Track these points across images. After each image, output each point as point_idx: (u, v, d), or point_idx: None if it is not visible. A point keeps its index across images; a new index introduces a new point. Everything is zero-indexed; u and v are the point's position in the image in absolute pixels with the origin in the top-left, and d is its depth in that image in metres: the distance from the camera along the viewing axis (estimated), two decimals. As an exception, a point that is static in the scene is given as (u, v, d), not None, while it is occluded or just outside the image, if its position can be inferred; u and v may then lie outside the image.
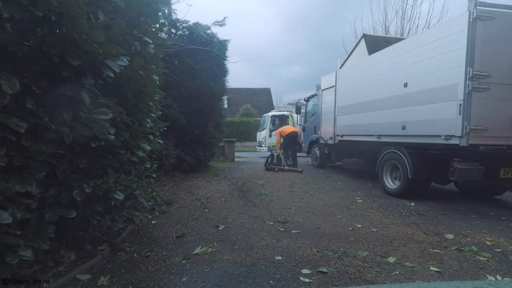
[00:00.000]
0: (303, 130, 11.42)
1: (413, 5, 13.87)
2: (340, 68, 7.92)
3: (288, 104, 23.54)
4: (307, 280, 2.35)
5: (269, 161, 9.25)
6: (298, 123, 12.78)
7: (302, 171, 8.53)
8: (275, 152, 9.55)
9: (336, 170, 9.06)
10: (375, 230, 3.63)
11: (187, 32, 7.27)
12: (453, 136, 4.21)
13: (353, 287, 2.19)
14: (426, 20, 13.36)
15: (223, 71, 8.28)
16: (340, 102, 7.70)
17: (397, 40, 6.50)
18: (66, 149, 2.13)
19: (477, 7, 3.88)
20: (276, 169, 8.71)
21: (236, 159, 12.32)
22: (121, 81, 2.58)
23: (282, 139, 10.00)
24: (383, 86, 5.77)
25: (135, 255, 2.85)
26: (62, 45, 1.83)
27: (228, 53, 8.07)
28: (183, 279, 2.38)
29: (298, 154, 12.58)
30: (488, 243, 3.22)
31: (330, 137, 8.26)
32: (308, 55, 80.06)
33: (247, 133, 23.65)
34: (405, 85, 5.13)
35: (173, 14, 7.42)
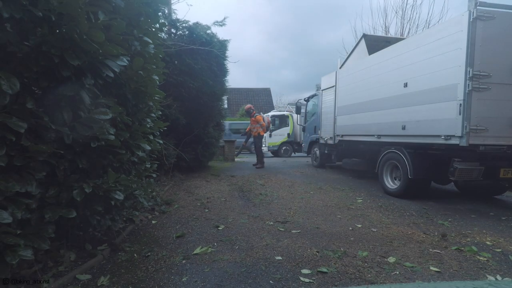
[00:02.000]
0: (303, 130, 11.42)
1: (413, 5, 13.88)
2: (340, 68, 7.92)
3: (288, 104, 23.55)
4: (307, 280, 2.35)
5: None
6: (298, 123, 12.79)
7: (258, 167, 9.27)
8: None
9: (336, 170, 9.06)
10: (375, 230, 3.63)
11: (187, 32, 7.27)
12: (453, 136, 4.21)
13: (353, 287, 2.19)
14: (426, 20, 13.37)
15: (223, 71, 8.27)
16: (340, 102, 7.70)
17: (397, 40, 6.50)
18: (66, 149, 2.13)
19: (477, 7, 3.88)
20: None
21: (236, 159, 12.32)
22: (121, 81, 2.58)
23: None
24: (383, 86, 5.77)
25: (135, 255, 2.85)
26: (62, 45, 1.83)
27: (228, 53, 8.09)
28: (183, 279, 2.38)
29: (298, 153, 12.57)
30: (488, 243, 3.22)
31: (330, 137, 8.26)
32: (293, 61, 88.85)
33: (247, 133, 23.60)
34: (405, 85, 5.13)
35: (173, 14, 7.42)
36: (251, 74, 74.95)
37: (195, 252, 2.91)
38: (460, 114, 4.08)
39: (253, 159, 13.23)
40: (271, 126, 15.65)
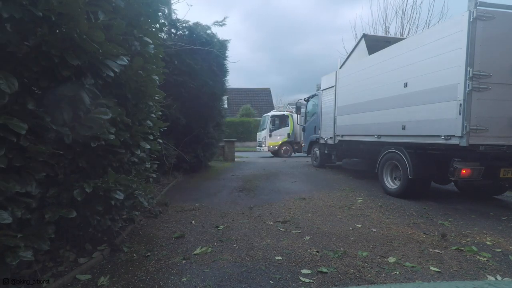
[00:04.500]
0: (303, 130, 11.42)
1: (413, 5, 13.86)
2: (340, 68, 7.92)
3: (288, 104, 23.56)
4: (307, 280, 2.35)
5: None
6: (298, 123, 12.79)
7: None
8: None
9: (336, 170, 9.06)
10: (375, 230, 3.63)
11: (187, 32, 7.27)
12: (453, 136, 4.20)
13: (353, 287, 2.19)
14: (426, 20, 13.36)
15: (223, 71, 8.27)
16: (340, 102, 7.69)
17: (397, 40, 6.49)
18: (66, 149, 2.13)
19: (477, 7, 3.88)
20: None
21: (236, 159, 12.32)
22: (121, 81, 2.58)
23: None
24: (383, 86, 5.77)
25: (135, 255, 2.85)
26: (62, 45, 1.83)
27: (227, 53, 8.09)
28: (183, 279, 2.38)
29: (298, 153, 12.56)
30: (488, 243, 3.22)
31: (330, 137, 8.26)
32: (276, 68, 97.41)
33: (247, 133, 23.64)
34: (405, 85, 5.13)
35: (173, 14, 7.41)
36: (241, 79, 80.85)
37: (195, 252, 2.91)
38: (460, 114, 4.08)
39: (253, 159, 13.23)
40: (271, 126, 15.68)
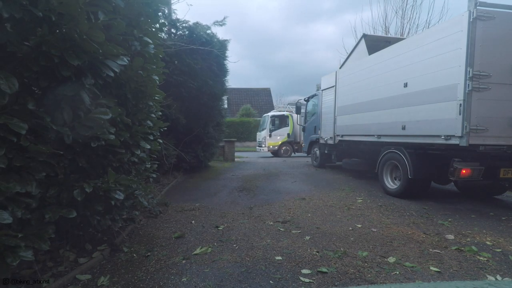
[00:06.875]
0: (303, 130, 11.43)
1: (413, 5, 13.87)
2: (340, 68, 7.92)
3: (288, 104, 23.55)
4: (307, 280, 2.35)
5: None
6: (298, 123, 12.79)
7: None
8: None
9: (336, 170, 9.06)
10: (375, 230, 3.63)
11: (187, 32, 7.27)
12: (453, 136, 4.20)
13: (353, 287, 2.19)
14: (426, 20, 13.37)
15: (223, 71, 8.28)
16: (340, 102, 7.69)
17: (397, 40, 6.49)
18: (66, 149, 2.13)
19: (477, 7, 3.88)
20: None
21: (236, 159, 12.32)
22: (121, 81, 2.58)
23: None
24: (383, 86, 5.77)
25: (135, 255, 2.85)
26: (62, 45, 1.83)
27: (227, 53, 8.09)
28: (183, 279, 2.38)
29: (298, 153, 12.71)
30: (488, 243, 3.22)
31: (330, 137, 8.26)
32: (263, 73, 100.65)
33: (247, 133, 23.65)
34: (405, 85, 5.13)
35: (173, 14, 7.41)
36: (234, 82, 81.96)
37: (195, 252, 2.91)
38: (460, 114, 4.08)
39: (253, 159, 13.24)
40: (271, 126, 15.71)
